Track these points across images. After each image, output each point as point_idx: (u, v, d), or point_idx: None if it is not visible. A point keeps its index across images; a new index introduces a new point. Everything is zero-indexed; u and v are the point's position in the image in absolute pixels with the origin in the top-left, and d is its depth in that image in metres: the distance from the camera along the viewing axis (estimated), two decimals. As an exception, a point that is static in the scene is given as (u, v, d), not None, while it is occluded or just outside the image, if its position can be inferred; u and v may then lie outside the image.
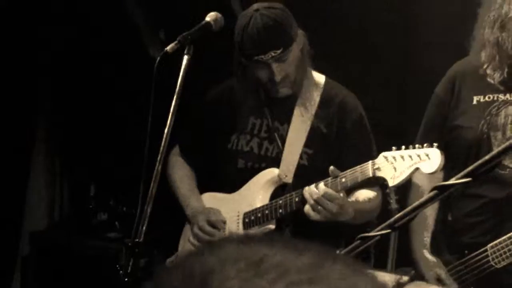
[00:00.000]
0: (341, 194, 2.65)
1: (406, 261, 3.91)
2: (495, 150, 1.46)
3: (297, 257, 0.79)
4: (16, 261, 4.79)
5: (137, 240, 2.34)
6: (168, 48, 2.66)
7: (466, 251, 2.80)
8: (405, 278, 2.11)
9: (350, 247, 1.61)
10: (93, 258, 4.49)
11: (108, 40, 4.66)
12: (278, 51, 2.78)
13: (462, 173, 1.40)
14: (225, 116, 3.05)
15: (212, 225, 2.96)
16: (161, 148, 2.54)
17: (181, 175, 3.17)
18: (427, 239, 2.90)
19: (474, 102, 2.81)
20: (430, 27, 3.88)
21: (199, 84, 3.10)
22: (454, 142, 2.83)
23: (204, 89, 3.24)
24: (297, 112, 2.94)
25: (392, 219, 1.54)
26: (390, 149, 2.54)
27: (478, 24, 2.80)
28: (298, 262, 0.78)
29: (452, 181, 1.41)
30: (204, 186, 3.16)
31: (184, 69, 2.64)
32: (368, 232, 4.21)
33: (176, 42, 2.67)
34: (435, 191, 1.45)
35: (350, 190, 2.76)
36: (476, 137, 2.77)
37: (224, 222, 2.97)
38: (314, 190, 2.64)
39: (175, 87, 2.62)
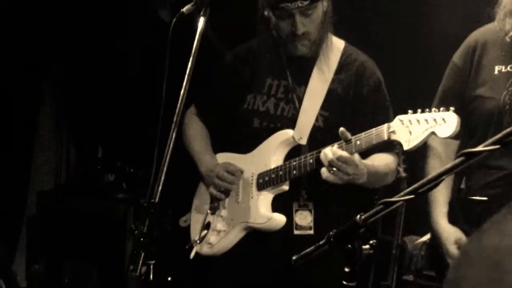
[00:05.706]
0: (356, 156, 2.65)
1: (413, 229, 3.94)
2: None
3: None
4: (23, 220, 4.82)
5: (152, 200, 2.34)
6: (184, 9, 2.64)
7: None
8: None
9: (372, 211, 1.61)
10: (100, 218, 4.52)
11: (120, 3, 4.64)
12: (305, 3, 2.78)
13: (490, 141, 1.39)
14: (242, 77, 3.05)
15: (231, 173, 2.98)
16: (177, 110, 2.52)
17: (196, 133, 3.18)
18: (445, 209, 2.89)
19: (496, 72, 2.77)
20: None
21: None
22: (474, 112, 2.80)
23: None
24: (315, 74, 2.93)
25: (417, 185, 1.54)
26: (406, 113, 2.53)
27: None
28: None
29: (480, 148, 1.40)
30: (219, 147, 3.16)
31: (200, 31, 2.62)
32: (375, 199, 4.17)
33: (192, 3, 2.64)
34: (461, 158, 1.44)
35: (366, 153, 2.76)
36: (498, 108, 2.73)
37: (242, 172, 2.99)
38: (329, 153, 2.65)
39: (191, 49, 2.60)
